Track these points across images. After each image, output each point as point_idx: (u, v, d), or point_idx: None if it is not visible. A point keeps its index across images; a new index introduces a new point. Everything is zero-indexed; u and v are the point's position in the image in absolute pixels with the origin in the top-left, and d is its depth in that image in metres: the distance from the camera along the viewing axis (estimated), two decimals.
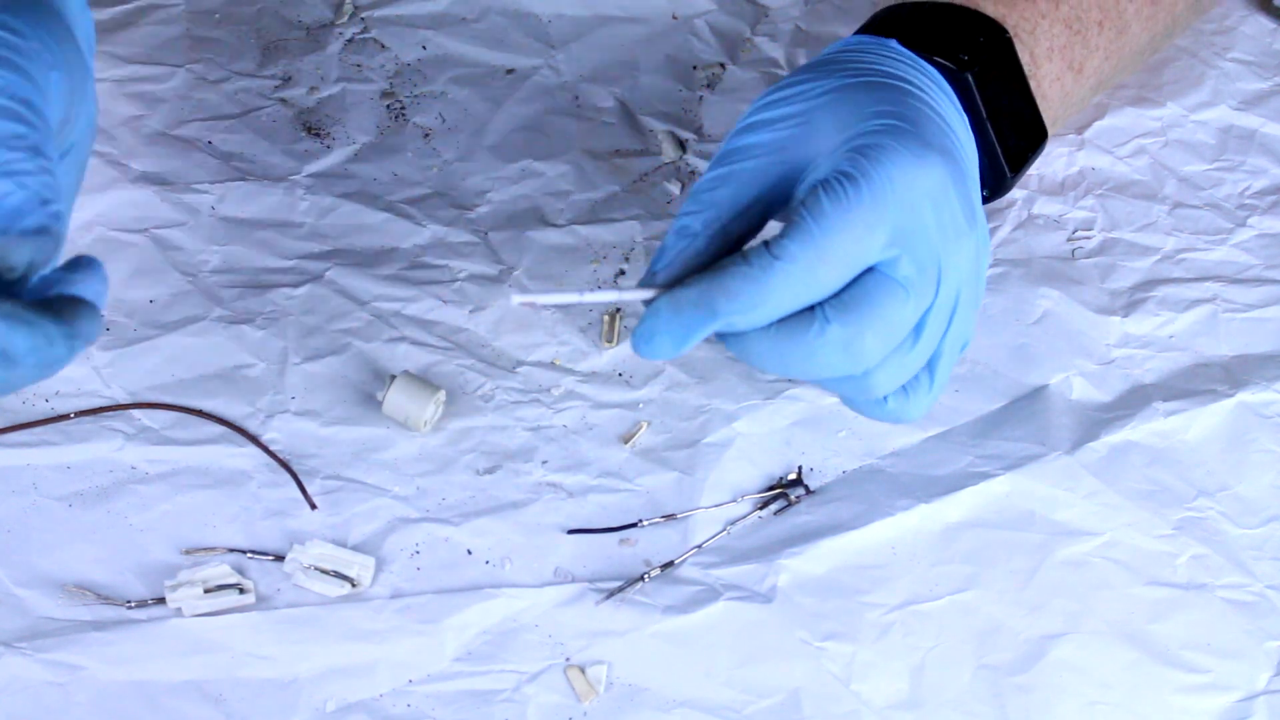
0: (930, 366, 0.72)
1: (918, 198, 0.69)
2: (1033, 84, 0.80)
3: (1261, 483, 0.81)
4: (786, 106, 0.73)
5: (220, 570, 0.76)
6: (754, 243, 0.70)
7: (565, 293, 0.69)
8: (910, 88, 0.74)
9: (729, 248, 0.71)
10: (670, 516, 0.79)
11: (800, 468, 0.80)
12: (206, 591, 0.75)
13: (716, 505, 0.79)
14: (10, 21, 0.69)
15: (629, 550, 0.78)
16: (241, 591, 0.75)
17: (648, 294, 0.69)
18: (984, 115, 0.78)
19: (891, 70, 0.74)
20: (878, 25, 0.79)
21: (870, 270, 0.69)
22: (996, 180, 0.80)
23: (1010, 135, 0.80)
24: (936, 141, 0.71)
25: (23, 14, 0.70)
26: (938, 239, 0.69)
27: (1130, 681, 0.75)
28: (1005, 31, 0.79)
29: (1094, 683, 0.75)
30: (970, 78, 0.77)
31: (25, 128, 0.66)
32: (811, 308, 0.68)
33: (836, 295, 0.69)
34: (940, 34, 0.78)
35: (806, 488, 0.79)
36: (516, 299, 0.68)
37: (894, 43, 0.76)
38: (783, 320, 0.68)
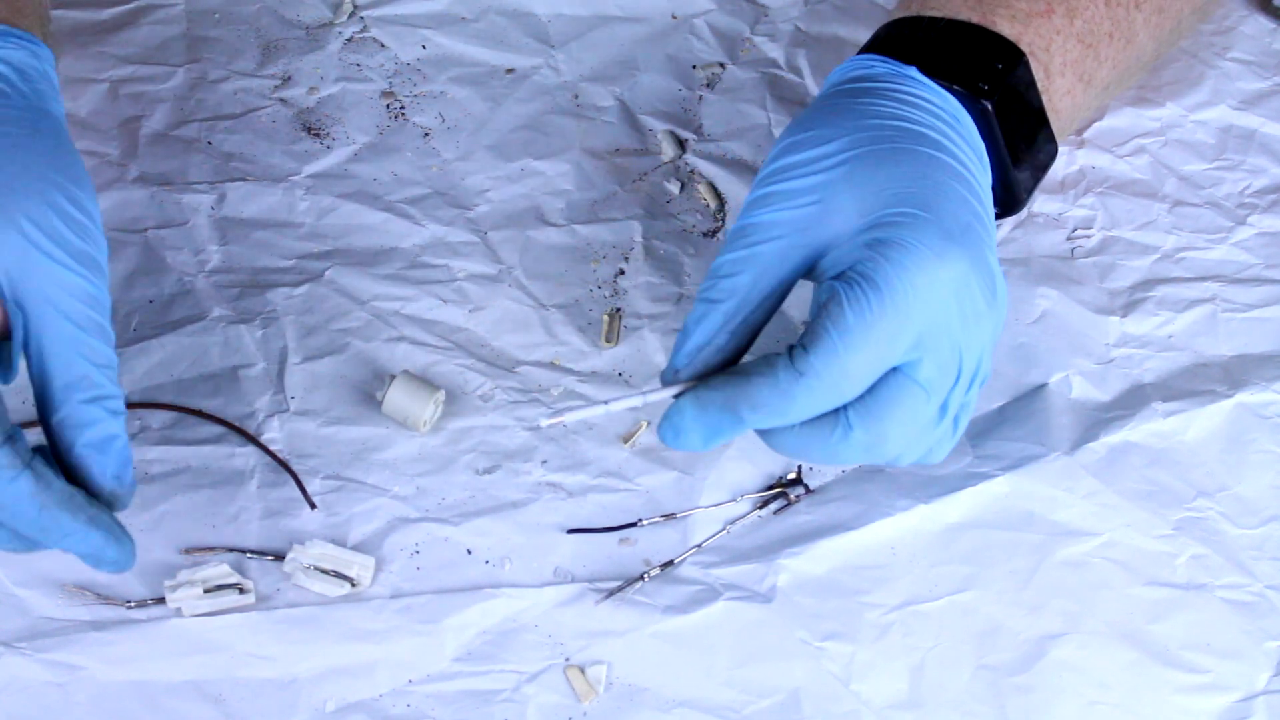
0: (955, 420, 0.73)
1: (940, 298, 0.69)
2: (1045, 98, 0.80)
3: (1261, 483, 0.81)
4: (804, 177, 0.72)
5: (220, 570, 0.75)
6: (773, 355, 0.70)
7: (592, 406, 0.71)
8: (929, 141, 0.73)
9: (750, 337, 0.72)
10: (670, 516, 0.79)
11: (800, 467, 0.80)
12: (206, 591, 0.75)
13: (716, 505, 0.79)
14: (82, 198, 0.72)
15: (629, 550, 0.78)
16: (241, 591, 0.75)
17: (673, 391, 0.71)
18: (1000, 143, 0.78)
19: (911, 118, 0.74)
20: (893, 43, 0.79)
21: (893, 370, 0.70)
22: (1009, 198, 0.80)
23: (1024, 154, 0.80)
24: (957, 226, 0.71)
25: (83, 180, 0.73)
26: (960, 333, 0.70)
27: (1130, 682, 0.75)
28: (1022, 55, 0.79)
29: (1093, 683, 0.75)
30: (990, 105, 0.77)
31: (110, 348, 0.71)
32: (835, 409, 0.70)
33: (859, 398, 0.70)
34: (959, 59, 0.78)
35: (806, 487, 0.79)
36: (544, 422, 0.70)
37: (914, 71, 0.76)
38: (808, 421, 0.70)
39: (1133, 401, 0.83)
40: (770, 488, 0.80)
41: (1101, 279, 0.87)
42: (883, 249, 0.69)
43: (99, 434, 0.70)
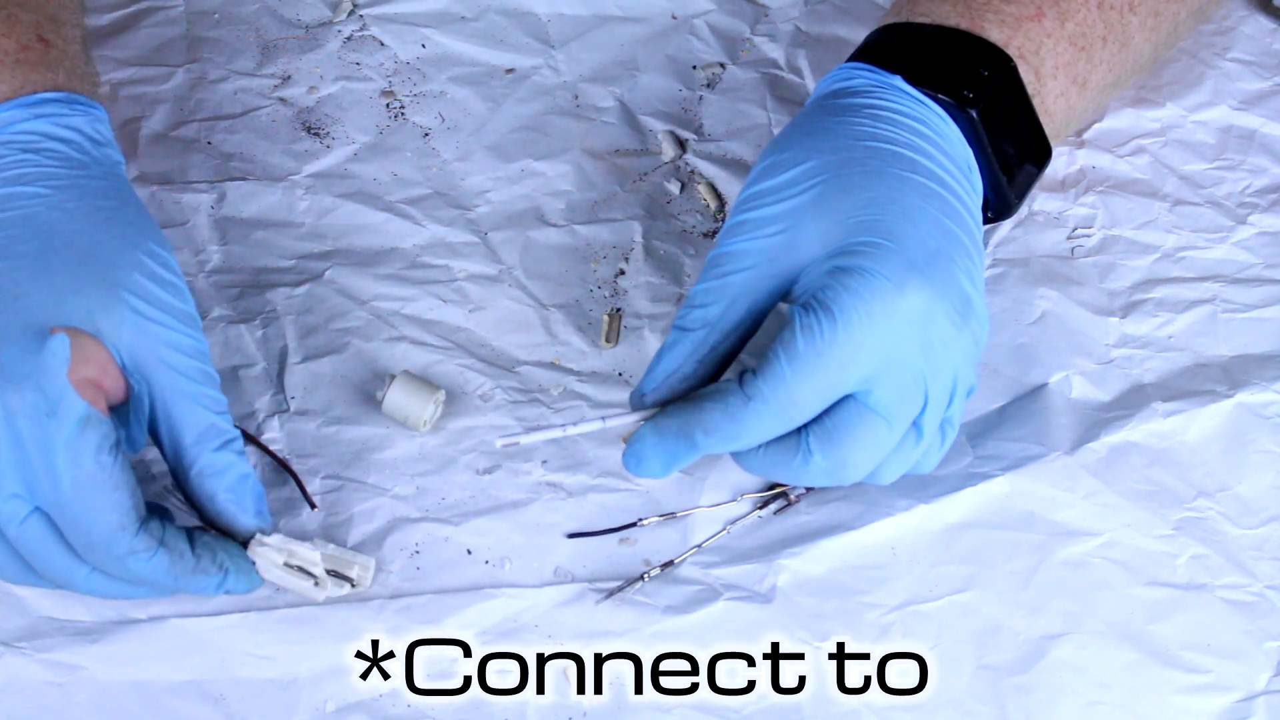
0: (941, 433, 0.74)
1: (898, 327, 0.70)
2: (1037, 101, 0.80)
3: (1261, 483, 0.81)
4: (774, 204, 0.73)
5: (312, 555, 0.74)
6: (730, 374, 0.72)
7: (549, 429, 0.73)
8: (903, 162, 0.74)
9: (721, 366, 0.74)
10: (670, 515, 0.79)
11: None
12: (286, 565, 0.74)
13: (715, 505, 0.79)
14: (167, 258, 0.75)
15: (629, 550, 0.78)
16: (316, 584, 0.74)
17: (636, 416, 0.73)
18: (989, 150, 0.78)
19: (886, 136, 0.74)
20: (880, 50, 0.79)
21: (849, 397, 0.71)
22: (1001, 204, 0.80)
23: (1015, 159, 0.80)
24: (923, 254, 0.71)
25: (163, 238, 0.76)
26: (921, 360, 0.71)
27: (1130, 681, 0.75)
28: (1010, 60, 0.79)
29: (1094, 683, 0.75)
30: (975, 113, 0.77)
31: (219, 392, 0.74)
32: (798, 430, 0.71)
33: (819, 420, 0.71)
34: (944, 66, 0.78)
35: (807, 486, 0.79)
36: (500, 442, 0.72)
37: (899, 81, 0.77)
38: (771, 442, 0.71)
39: (1133, 402, 0.83)
40: (771, 487, 0.80)
41: (1101, 279, 0.87)
42: (842, 277, 0.70)
43: (233, 478, 0.73)
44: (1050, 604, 0.77)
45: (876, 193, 0.73)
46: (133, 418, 0.72)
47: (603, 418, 0.73)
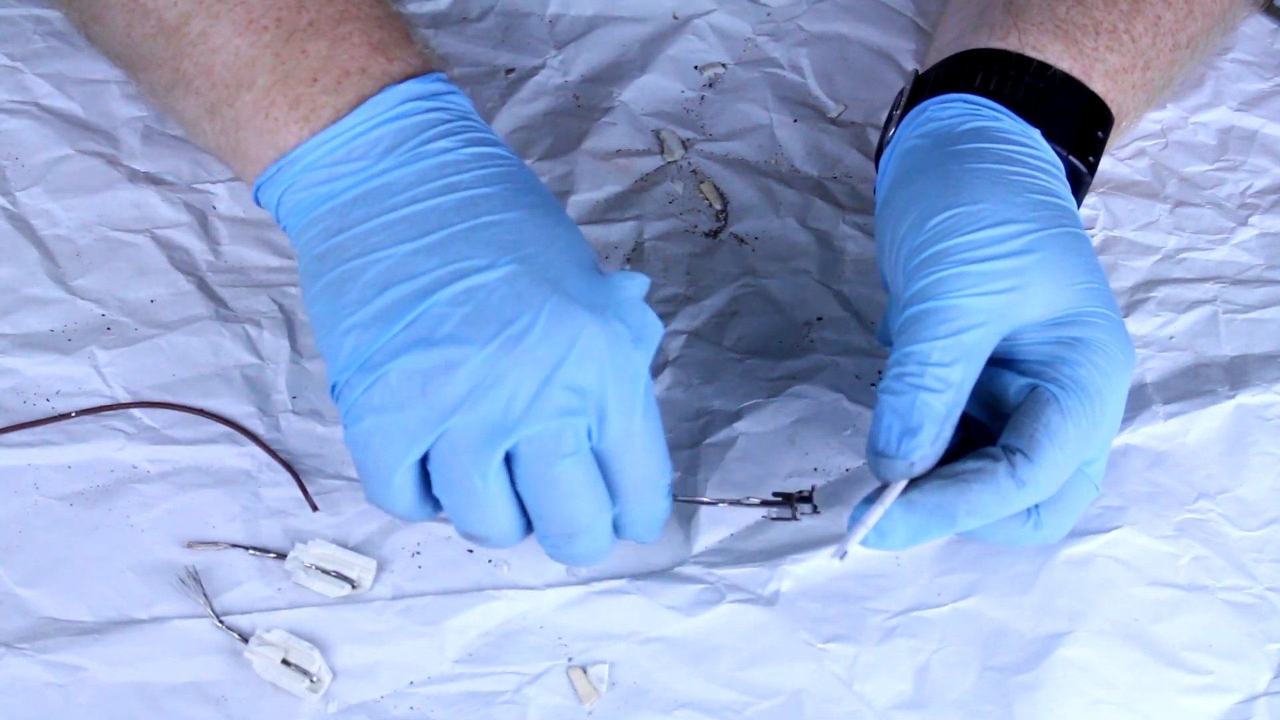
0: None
1: (1124, 401, 0.72)
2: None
3: (1262, 485, 0.81)
4: (998, 259, 0.70)
5: (311, 653, 0.74)
6: (985, 458, 0.70)
7: (854, 533, 0.70)
8: (1079, 223, 0.74)
9: (954, 433, 0.71)
10: (736, 502, 0.77)
11: (814, 487, 0.77)
12: (284, 663, 0.74)
13: (719, 501, 0.78)
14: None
15: (633, 545, 0.78)
16: (312, 682, 0.74)
17: (900, 489, 0.70)
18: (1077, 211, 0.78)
19: (1061, 194, 0.74)
20: (1000, 87, 0.77)
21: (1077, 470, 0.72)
22: None
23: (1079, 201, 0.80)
24: (1124, 324, 0.72)
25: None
26: (1119, 426, 0.73)
27: (1133, 681, 0.75)
28: (1112, 120, 0.79)
29: (1098, 682, 0.75)
30: (1089, 177, 0.77)
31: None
32: None
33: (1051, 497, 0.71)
34: (1070, 124, 0.77)
35: (815, 508, 0.76)
36: (836, 561, 0.71)
37: (1039, 135, 0.76)
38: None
39: (1134, 403, 0.83)
40: (777, 493, 0.78)
41: None
42: (1086, 353, 0.70)
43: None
44: (1054, 603, 0.77)
45: (1086, 258, 0.72)
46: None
47: (879, 500, 0.70)
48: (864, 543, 0.71)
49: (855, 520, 0.70)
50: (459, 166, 0.72)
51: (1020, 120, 0.76)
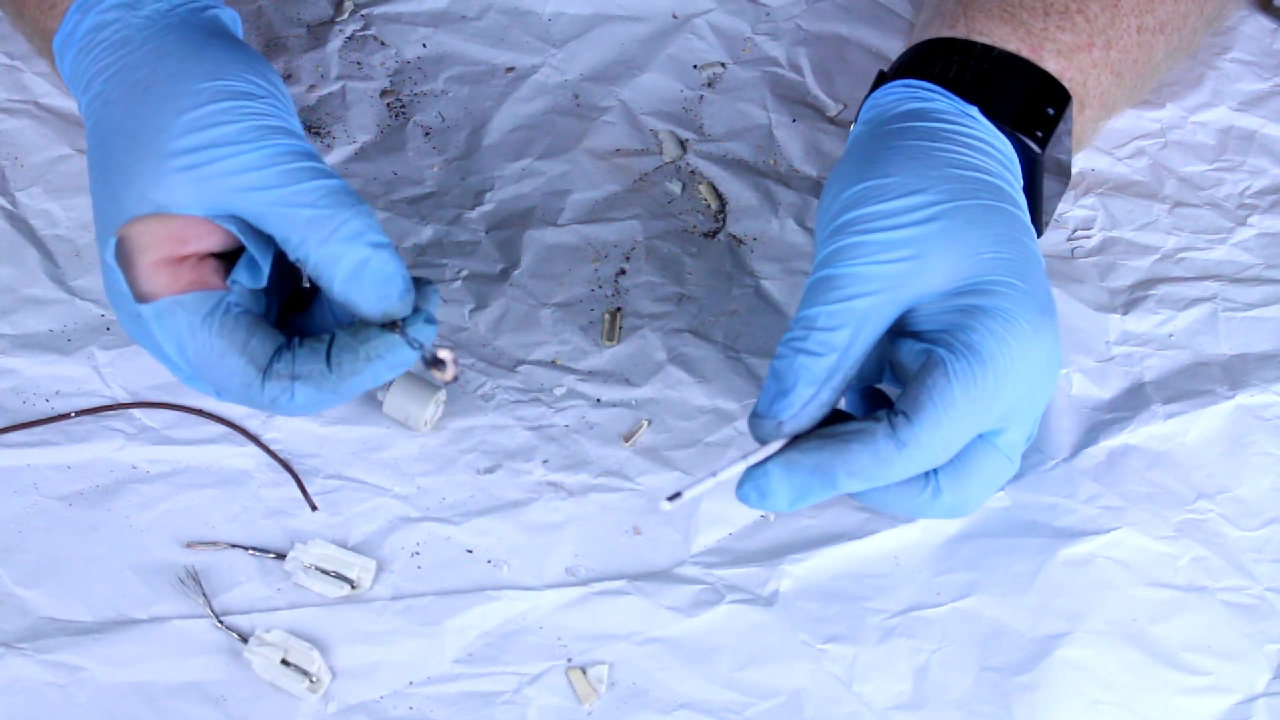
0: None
1: (1031, 371, 0.71)
2: (1074, 129, 0.80)
3: (1261, 485, 0.81)
4: (896, 229, 0.71)
5: (310, 654, 0.74)
6: (869, 420, 0.70)
7: (701, 482, 0.71)
8: (1008, 198, 0.73)
9: (841, 395, 0.72)
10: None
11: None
12: (284, 663, 0.74)
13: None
14: (229, 80, 0.72)
15: (632, 547, 0.78)
16: (311, 683, 0.74)
17: (775, 448, 0.70)
18: (1039, 184, 0.78)
19: (987, 169, 0.74)
20: (944, 70, 0.77)
21: (980, 437, 0.71)
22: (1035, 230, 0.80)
23: (1057, 190, 0.81)
24: (1048, 299, 0.72)
25: (262, 66, 0.74)
26: (1040, 401, 0.72)
27: (1132, 682, 0.75)
28: (1069, 98, 0.78)
29: (1097, 682, 0.75)
30: (1040, 154, 0.77)
31: (314, 168, 0.70)
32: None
33: (949, 462, 0.71)
34: (1015, 101, 0.77)
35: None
36: (665, 505, 0.70)
37: (976, 112, 0.76)
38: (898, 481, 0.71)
39: (1133, 402, 0.83)
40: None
41: (1102, 278, 0.87)
42: (984, 319, 0.70)
43: (348, 267, 0.69)
44: (1053, 603, 0.77)
45: (999, 229, 0.72)
46: (244, 256, 0.71)
47: (744, 456, 0.71)
48: (747, 502, 0.71)
49: (710, 475, 0.71)
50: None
51: (958, 100, 0.76)
